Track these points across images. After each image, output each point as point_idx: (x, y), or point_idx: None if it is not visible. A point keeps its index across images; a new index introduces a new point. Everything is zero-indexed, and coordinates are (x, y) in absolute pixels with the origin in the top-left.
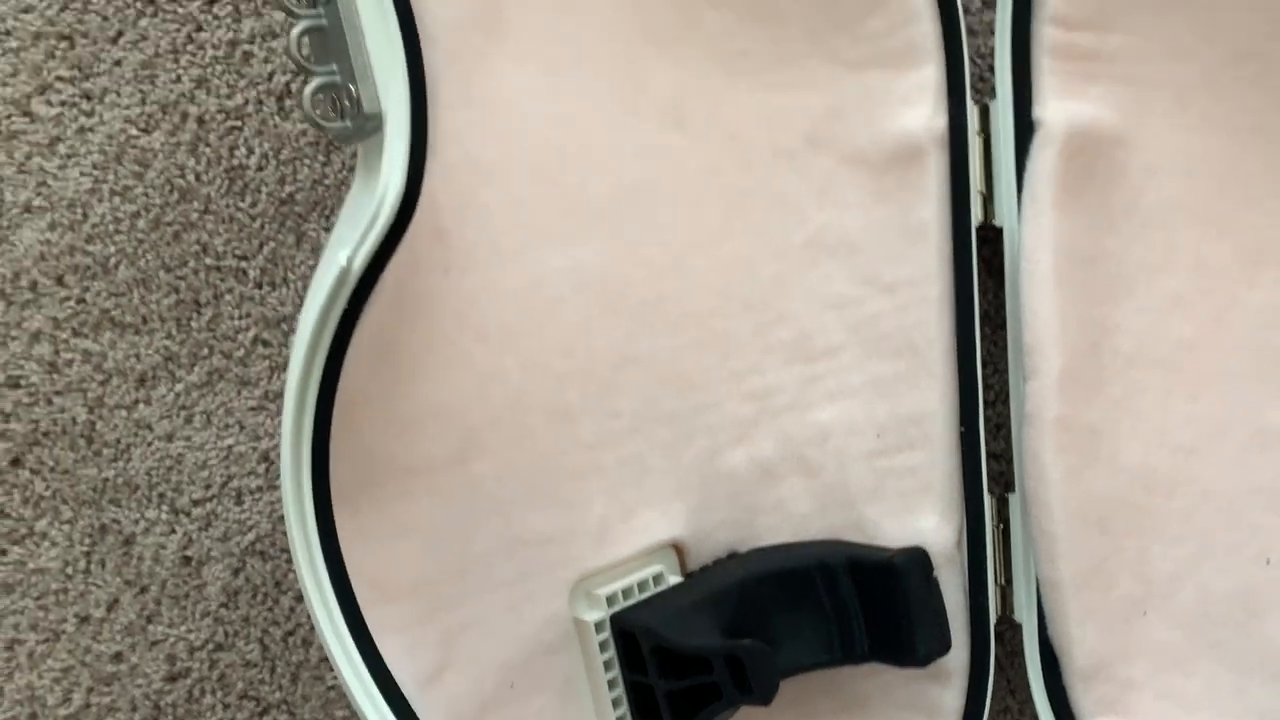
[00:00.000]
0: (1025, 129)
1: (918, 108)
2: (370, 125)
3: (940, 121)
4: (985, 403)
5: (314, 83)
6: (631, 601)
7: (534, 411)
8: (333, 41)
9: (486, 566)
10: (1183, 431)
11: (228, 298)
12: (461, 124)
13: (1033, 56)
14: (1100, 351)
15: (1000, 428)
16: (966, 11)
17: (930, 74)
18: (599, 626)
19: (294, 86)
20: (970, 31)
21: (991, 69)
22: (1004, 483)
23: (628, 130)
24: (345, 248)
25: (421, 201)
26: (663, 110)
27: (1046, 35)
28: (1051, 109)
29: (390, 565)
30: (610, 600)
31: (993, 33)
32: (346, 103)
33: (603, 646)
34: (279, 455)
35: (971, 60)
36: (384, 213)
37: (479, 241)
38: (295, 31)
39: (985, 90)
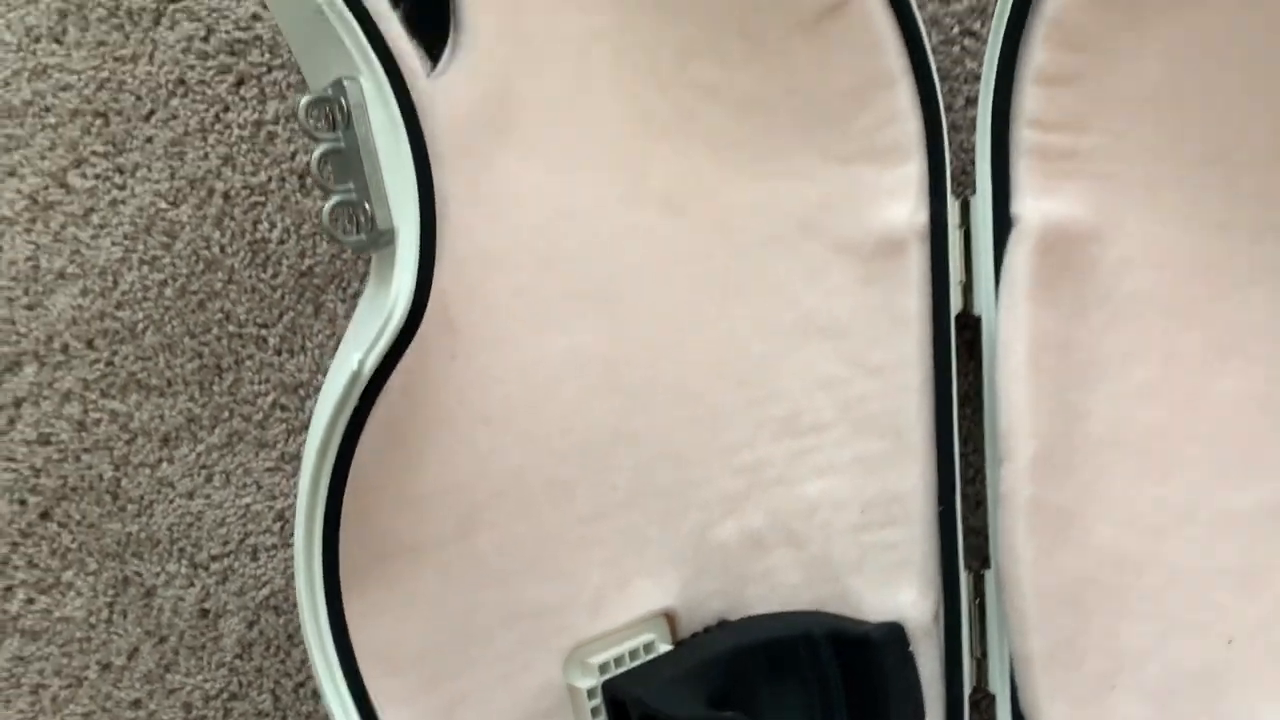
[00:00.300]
0: (1003, 224)
1: (901, 203)
2: (384, 239)
3: (922, 217)
4: (965, 480)
5: (332, 201)
6: (623, 669)
7: (534, 486)
8: (350, 163)
9: (487, 637)
10: (1152, 514)
11: (248, 364)
12: (471, 220)
13: (1011, 156)
14: (1072, 436)
15: (980, 504)
16: (950, 109)
17: (913, 171)
18: (591, 693)
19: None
20: (954, 127)
21: (974, 163)
22: (982, 557)
23: (627, 219)
24: (358, 350)
25: (431, 296)
26: (661, 199)
27: (1024, 137)
28: (1028, 206)
29: (396, 639)
30: (603, 668)
31: (975, 129)
32: (362, 218)
33: (595, 712)
34: (294, 515)
35: (955, 154)
36: (393, 322)
37: (484, 328)
38: (316, 154)
39: (968, 183)
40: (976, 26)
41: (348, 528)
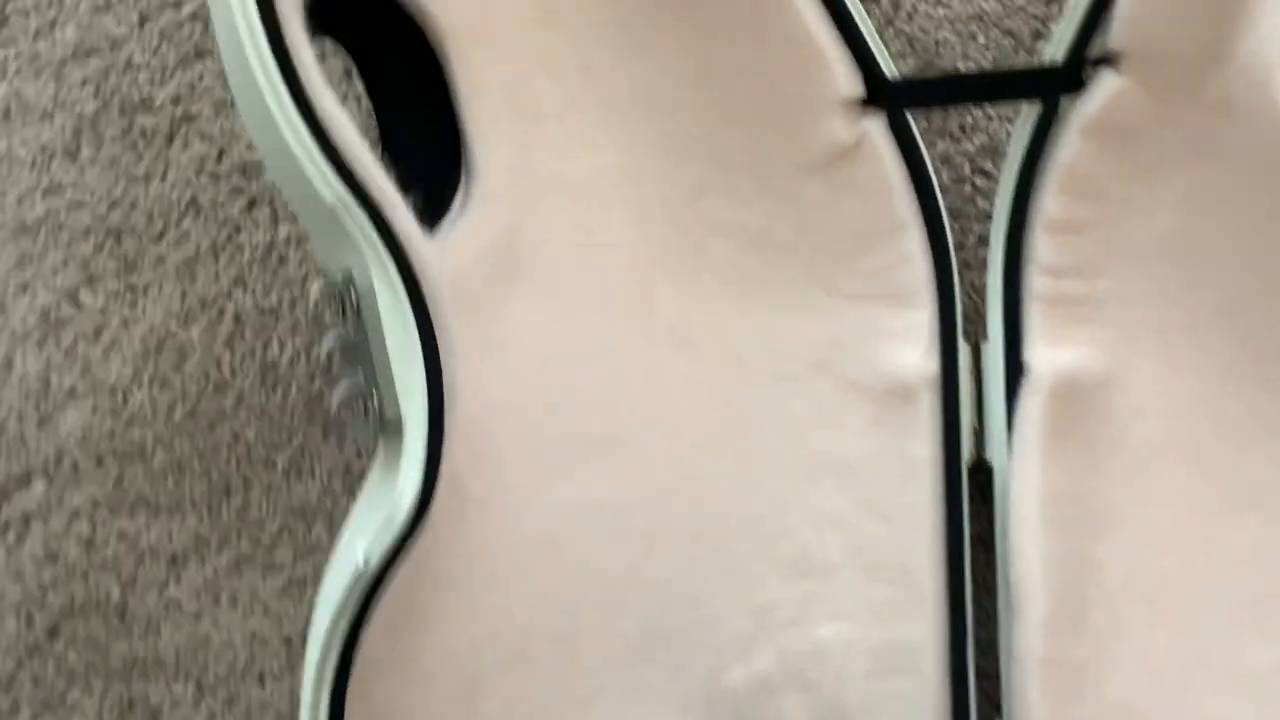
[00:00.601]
0: (1015, 370)
1: (911, 349)
2: (392, 428)
3: (933, 364)
4: (978, 623)
5: (340, 390)
6: None
7: (540, 642)
8: (358, 351)
9: None
10: (1166, 668)
11: (256, 486)
12: (482, 375)
13: (1023, 303)
14: (1085, 588)
15: (993, 647)
16: (961, 247)
17: (923, 317)
18: None
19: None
20: (965, 265)
21: (986, 303)
22: (995, 703)
23: (636, 356)
24: (363, 539)
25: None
26: (670, 333)
27: (1036, 283)
28: (1040, 354)
29: None
30: None
31: (986, 269)
32: (370, 406)
33: None
34: (300, 641)
35: (967, 294)
36: (400, 516)
37: (493, 486)
38: (326, 344)
39: (979, 322)
40: (988, 166)
41: (351, 708)
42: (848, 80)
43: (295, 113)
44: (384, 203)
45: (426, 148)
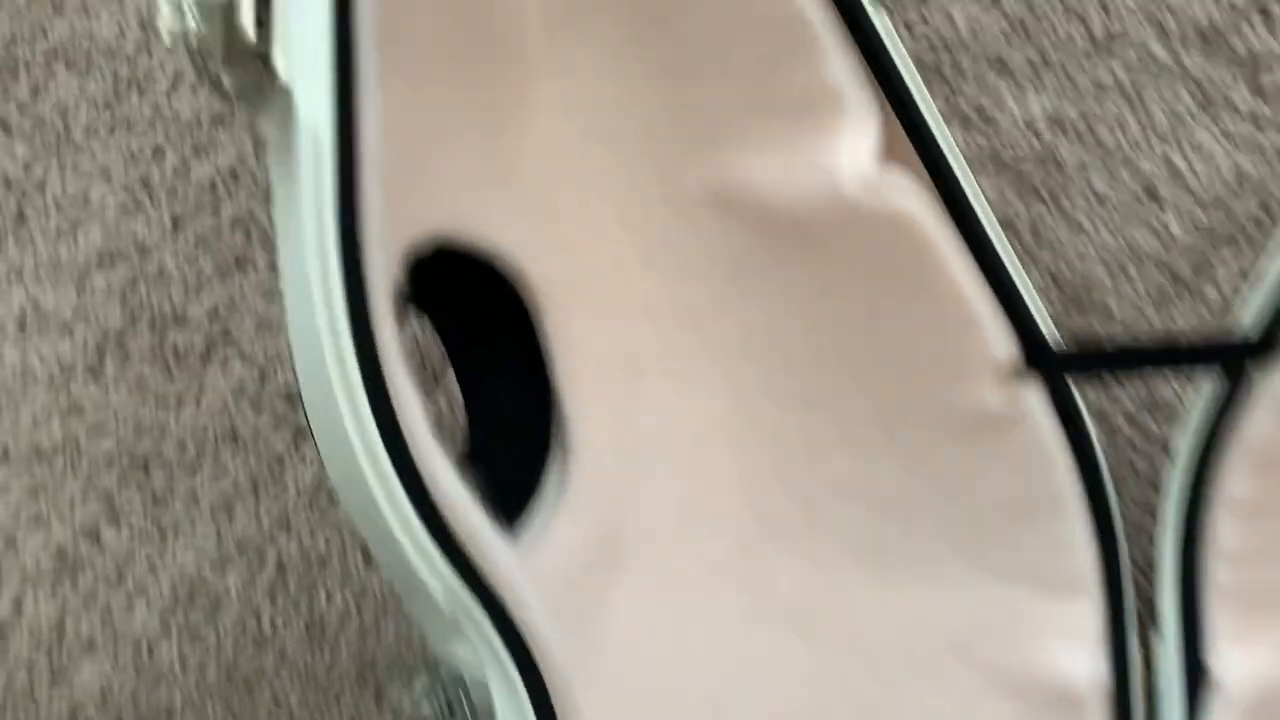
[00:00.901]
0: (1195, 671)
1: (1075, 650)
2: None
3: (1101, 669)
4: None
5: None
6: None
7: None
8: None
9: None
10: None
11: None
12: (581, 707)
13: (1200, 595)
14: None
15: None
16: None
17: (1088, 613)
18: None
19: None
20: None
21: (1143, 572)
22: None
23: (750, 648)
24: None
25: None
26: (787, 616)
27: (1217, 573)
28: (1224, 657)
29: None
30: None
31: (1143, 531)
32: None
33: None
34: None
35: None
36: None
37: None
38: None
39: (1144, 605)
40: (1148, 423)
41: None
42: (1002, 345)
43: (404, 498)
44: (510, 601)
45: (519, 425)
